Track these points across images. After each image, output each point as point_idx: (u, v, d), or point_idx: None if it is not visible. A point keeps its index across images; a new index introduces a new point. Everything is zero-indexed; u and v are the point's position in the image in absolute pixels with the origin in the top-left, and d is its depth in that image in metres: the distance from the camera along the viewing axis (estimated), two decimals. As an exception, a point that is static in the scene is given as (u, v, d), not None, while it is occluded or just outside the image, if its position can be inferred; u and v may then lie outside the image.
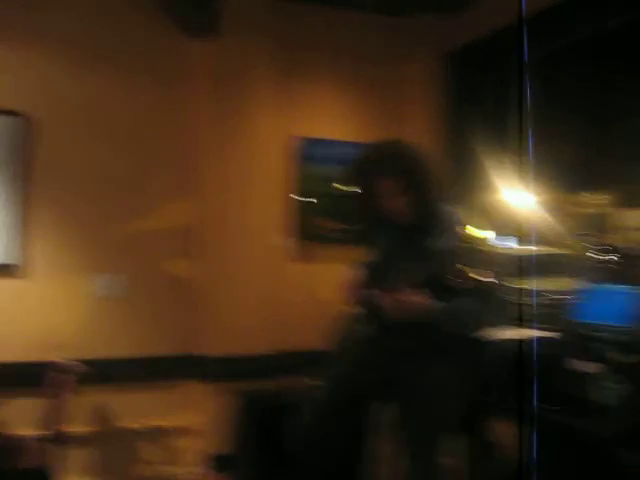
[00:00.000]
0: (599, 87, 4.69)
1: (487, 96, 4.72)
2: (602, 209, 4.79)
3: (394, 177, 2.65)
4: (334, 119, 4.71)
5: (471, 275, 2.52)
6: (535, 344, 3.01)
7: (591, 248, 4.19)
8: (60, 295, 4.08)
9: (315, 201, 4.56)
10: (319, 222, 4.57)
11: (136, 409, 4.16)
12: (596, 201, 4.83)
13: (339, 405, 2.83)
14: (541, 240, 4.15)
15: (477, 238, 2.45)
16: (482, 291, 2.59)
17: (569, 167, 4.88)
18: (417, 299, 2.53)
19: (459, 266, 2.46)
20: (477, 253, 2.47)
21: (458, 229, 2.63)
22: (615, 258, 3.97)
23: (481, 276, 2.55)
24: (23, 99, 4.03)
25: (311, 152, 4.56)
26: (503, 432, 3.19)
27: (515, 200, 4.09)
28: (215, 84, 4.35)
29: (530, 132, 3.67)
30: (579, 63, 4.58)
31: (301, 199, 4.54)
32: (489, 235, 2.52)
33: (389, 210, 2.73)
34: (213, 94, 4.35)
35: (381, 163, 2.69)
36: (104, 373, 3.98)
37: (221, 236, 4.32)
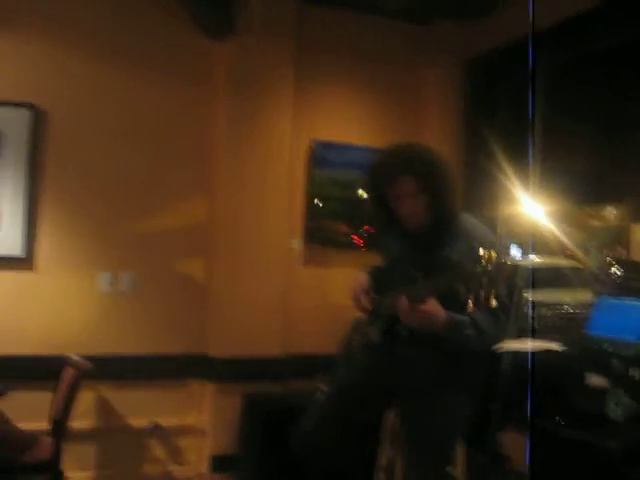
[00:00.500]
0: (612, 98, 4.69)
1: (503, 105, 4.72)
2: (614, 222, 4.77)
3: (412, 177, 2.62)
4: (351, 123, 4.71)
5: (484, 285, 2.49)
6: (545, 357, 3.00)
7: (603, 261, 4.18)
8: (70, 290, 4.09)
9: (329, 205, 4.56)
10: (332, 226, 4.57)
11: (142, 406, 4.16)
12: (608, 214, 4.82)
13: (344, 410, 2.82)
14: (553, 252, 4.14)
15: (492, 248, 2.42)
16: (500, 305, 2.57)
17: (581, 179, 4.87)
18: (433, 309, 2.49)
19: (472, 275, 2.43)
20: (491, 263, 2.44)
21: (473, 238, 2.61)
22: (626, 272, 3.96)
23: (498, 289, 2.53)
24: (40, 92, 4.04)
25: (327, 156, 4.56)
26: (511, 444, 3.18)
27: (527, 211, 4.08)
28: (233, 85, 4.35)
29: (538, 142, 3.67)
30: (592, 74, 4.58)
31: (315, 202, 4.54)
32: (509, 246, 2.48)
33: (405, 212, 2.70)
34: (231, 95, 4.35)
35: (399, 163, 2.66)
36: (111, 369, 4.00)
37: (234, 237, 4.31)
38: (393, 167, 2.67)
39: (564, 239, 4.22)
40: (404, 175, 2.64)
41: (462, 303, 2.48)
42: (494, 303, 2.37)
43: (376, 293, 2.85)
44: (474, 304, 2.41)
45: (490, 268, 2.33)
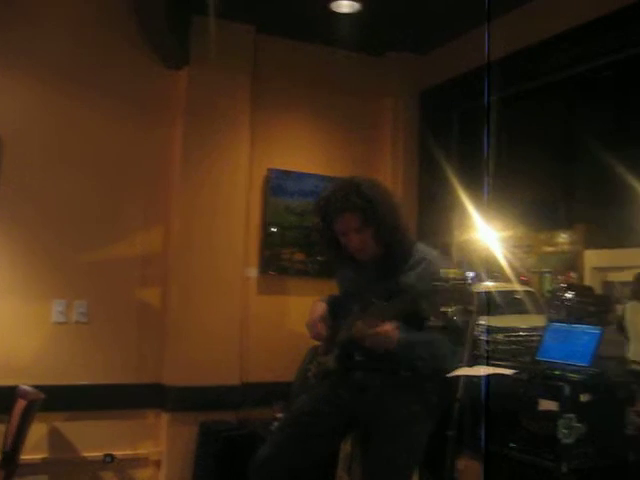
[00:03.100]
0: (564, 127, 4.80)
1: (457, 134, 4.81)
2: (567, 248, 4.85)
3: (353, 214, 2.70)
4: (307, 151, 4.76)
5: (439, 311, 2.53)
6: (499, 382, 3.04)
7: (553, 286, 4.25)
8: (22, 319, 4.01)
9: (285, 233, 4.58)
10: (288, 254, 4.58)
11: (96, 438, 4.10)
12: (561, 240, 4.90)
13: (301, 438, 2.81)
14: (507, 278, 4.20)
15: (450, 276, 2.47)
16: (453, 329, 2.62)
17: (535, 206, 4.96)
18: (388, 328, 2.53)
19: (431, 303, 2.47)
20: (449, 291, 2.49)
21: (427, 265, 2.65)
22: (576, 297, 4.04)
23: (453, 313, 2.57)
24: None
25: (282, 184, 4.58)
26: (466, 469, 3.20)
27: (482, 238, 4.14)
28: (190, 114, 4.36)
29: (492, 170, 3.74)
30: (545, 104, 4.68)
31: (271, 230, 4.55)
32: (464, 273, 2.53)
33: (354, 247, 2.77)
34: (187, 124, 4.36)
35: (339, 201, 2.74)
36: (64, 400, 3.93)
37: (189, 266, 4.30)
38: (334, 205, 2.75)
39: (518, 265, 4.29)
40: (345, 212, 2.72)
41: (419, 325, 2.53)
42: (449, 325, 2.43)
43: (334, 321, 2.87)
44: (430, 326, 2.45)
45: (447, 287, 2.38)
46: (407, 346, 2.58)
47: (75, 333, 4.12)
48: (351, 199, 2.70)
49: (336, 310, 2.91)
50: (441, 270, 2.46)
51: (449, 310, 2.47)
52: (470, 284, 2.57)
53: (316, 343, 2.98)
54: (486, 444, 3.10)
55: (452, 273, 2.44)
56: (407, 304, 2.53)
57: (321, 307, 2.93)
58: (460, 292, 2.45)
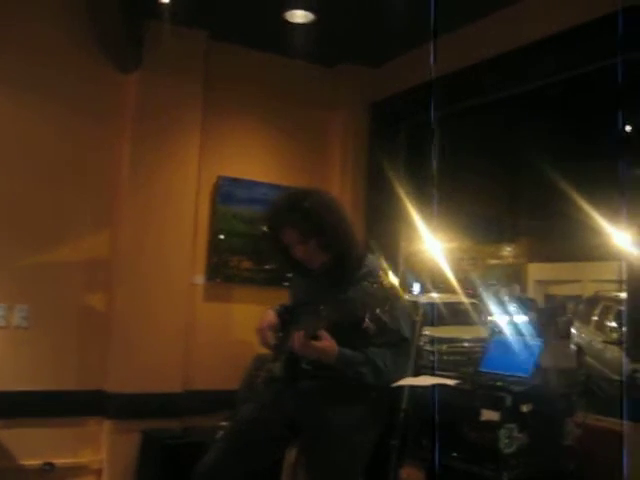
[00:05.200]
0: (509, 144, 4.91)
1: (406, 147, 4.87)
2: (511, 260, 4.95)
3: (293, 227, 2.76)
4: (257, 159, 4.75)
5: (386, 322, 2.57)
6: (442, 392, 3.08)
7: (496, 298, 4.34)
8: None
9: (233, 240, 4.56)
10: (235, 262, 4.57)
11: (35, 445, 4.00)
12: (506, 253, 4.99)
13: (246, 446, 2.81)
14: (453, 289, 4.27)
15: (395, 286, 2.52)
16: (398, 340, 2.66)
17: (481, 220, 5.06)
18: (321, 344, 2.58)
19: (375, 313, 2.51)
20: (393, 301, 2.54)
21: (376, 276, 2.68)
22: (517, 309, 4.12)
23: (398, 323, 2.62)
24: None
25: (231, 191, 4.57)
26: (409, 478, 3.23)
27: (428, 250, 4.21)
28: (140, 119, 4.31)
29: (439, 184, 3.80)
30: (492, 121, 4.79)
31: (218, 238, 4.53)
32: (410, 284, 2.58)
33: (300, 257, 2.83)
34: (137, 129, 4.31)
35: (280, 215, 2.81)
36: (2, 407, 3.85)
37: (135, 271, 4.24)
38: (276, 219, 2.83)
39: (463, 277, 4.37)
40: (285, 226, 2.79)
41: (361, 336, 2.56)
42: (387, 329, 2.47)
43: (284, 329, 2.88)
44: (372, 337, 2.49)
45: (388, 293, 2.43)
46: (346, 362, 2.62)
47: (15, 338, 4.02)
48: (290, 213, 2.77)
49: (287, 319, 2.93)
50: (384, 278, 2.51)
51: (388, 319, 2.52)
52: (411, 294, 2.62)
53: (263, 351, 2.98)
54: (433, 454, 3.13)
55: (393, 282, 2.49)
56: (347, 315, 2.56)
57: (271, 315, 2.94)
58: (401, 301, 2.51)
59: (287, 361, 2.78)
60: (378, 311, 2.49)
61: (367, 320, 2.51)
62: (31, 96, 4.10)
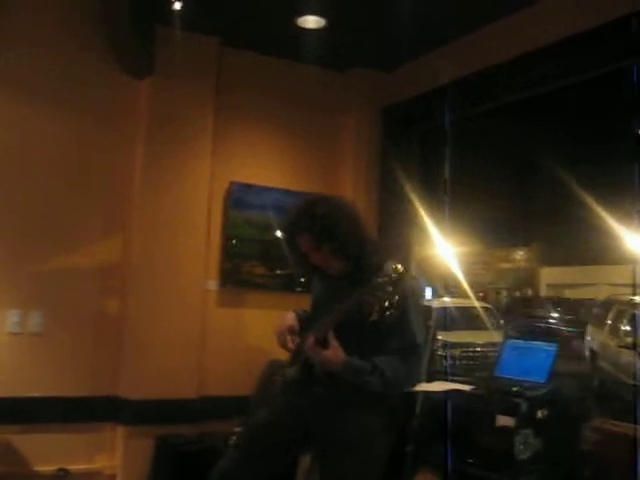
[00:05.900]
0: (523, 149, 4.89)
1: (418, 152, 4.86)
2: (523, 265, 4.93)
3: (307, 235, 2.76)
4: (269, 165, 4.76)
5: (396, 316, 2.55)
6: (456, 397, 3.07)
7: (507, 302, 4.32)
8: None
9: (245, 246, 4.57)
10: (248, 267, 4.57)
11: (50, 451, 4.02)
12: (518, 257, 4.98)
13: (260, 451, 2.80)
14: (462, 293, 4.25)
15: (412, 286, 2.50)
16: (410, 346, 2.65)
17: (493, 224, 5.04)
18: (326, 353, 2.57)
19: (384, 306, 2.49)
20: (406, 301, 2.53)
21: (392, 282, 2.67)
22: (533, 313, 4.10)
23: (411, 327, 2.61)
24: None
25: (244, 197, 4.58)
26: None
27: (441, 254, 4.19)
28: (152, 124, 4.33)
29: (451, 189, 3.79)
30: (505, 125, 4.77)
31: (231, 243, 4.54)
32: (423, 288, 2.57)
33: (317, 263, 2.83)
34: (150, 134, 4.33)
35: (293, 224, 2.82)
36: (17, 413, 3.87)
37: (149, 277, 4.26)
38: (290, 229, 2.85)
39: (475, 281, 4.35)
40: (299, 234, 2.79)
41: (373, 334, 2.55)
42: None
43: (302, 334, 2.87)
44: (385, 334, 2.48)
45: (396, 279, 2.42)
46: (353, 372, 2.61)
47: (30, 344, 4.04)
48: (302, 220, 2.77)
49: (306, 323, 2.92)
50: (389, 264, 2.50)
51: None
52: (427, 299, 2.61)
53: (276, 355, 2.98)
54: (445, 459, 3.12)
55: (401, 269, 2.48)
56: (350, 306, 2.56)
57: (291, 317, 2.94)
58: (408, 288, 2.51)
59: (303, 366, 2.77)
60: (387, 304, 2.48)
61: (375, 313, 2.48)
62: (44, 102, 4.12)
